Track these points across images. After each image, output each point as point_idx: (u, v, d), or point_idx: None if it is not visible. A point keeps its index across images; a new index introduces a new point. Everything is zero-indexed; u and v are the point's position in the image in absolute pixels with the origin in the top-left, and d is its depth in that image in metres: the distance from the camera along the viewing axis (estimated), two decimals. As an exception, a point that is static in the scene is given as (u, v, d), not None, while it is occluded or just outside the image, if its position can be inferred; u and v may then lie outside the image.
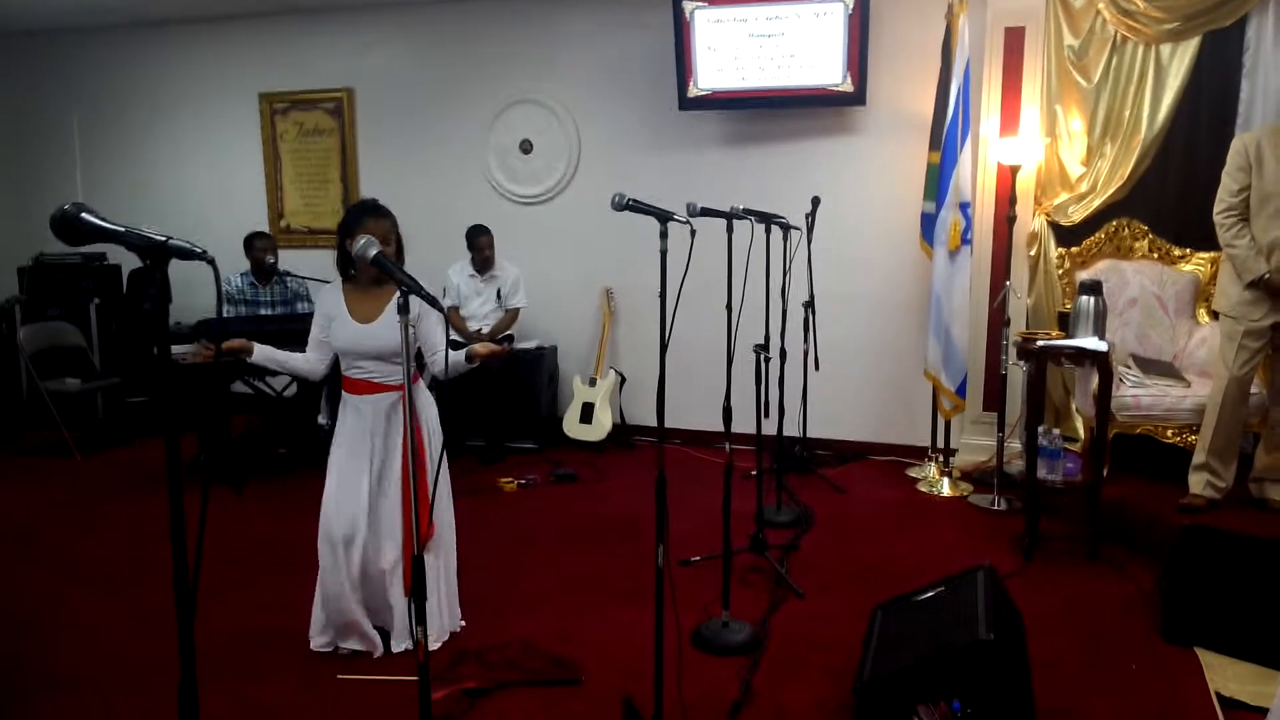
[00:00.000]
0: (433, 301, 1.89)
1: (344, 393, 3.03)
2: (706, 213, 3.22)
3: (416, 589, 1.91)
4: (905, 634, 2.77)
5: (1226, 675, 3.00)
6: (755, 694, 2.81)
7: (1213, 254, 4.63)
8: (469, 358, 2.93)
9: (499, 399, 5.50)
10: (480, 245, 5.66)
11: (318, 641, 3.06)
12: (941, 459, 4.94)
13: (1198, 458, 4.10)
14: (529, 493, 4.90)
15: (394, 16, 6.20)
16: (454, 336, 4.99)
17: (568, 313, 6.00)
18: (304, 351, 3.05)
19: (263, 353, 2.93)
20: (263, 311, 5.39)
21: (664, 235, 2.42)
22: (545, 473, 5.15)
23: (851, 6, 5.05)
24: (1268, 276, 3.83)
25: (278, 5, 6.27)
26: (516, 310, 5.75)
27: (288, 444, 5.49)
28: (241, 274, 5.51)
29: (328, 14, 6.32)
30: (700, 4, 5.30)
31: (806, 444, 5.14)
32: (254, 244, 5.52)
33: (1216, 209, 4.02)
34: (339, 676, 2.91)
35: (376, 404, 2.97)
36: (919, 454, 5.20)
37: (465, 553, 3.26)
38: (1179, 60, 4.68)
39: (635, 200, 2.44)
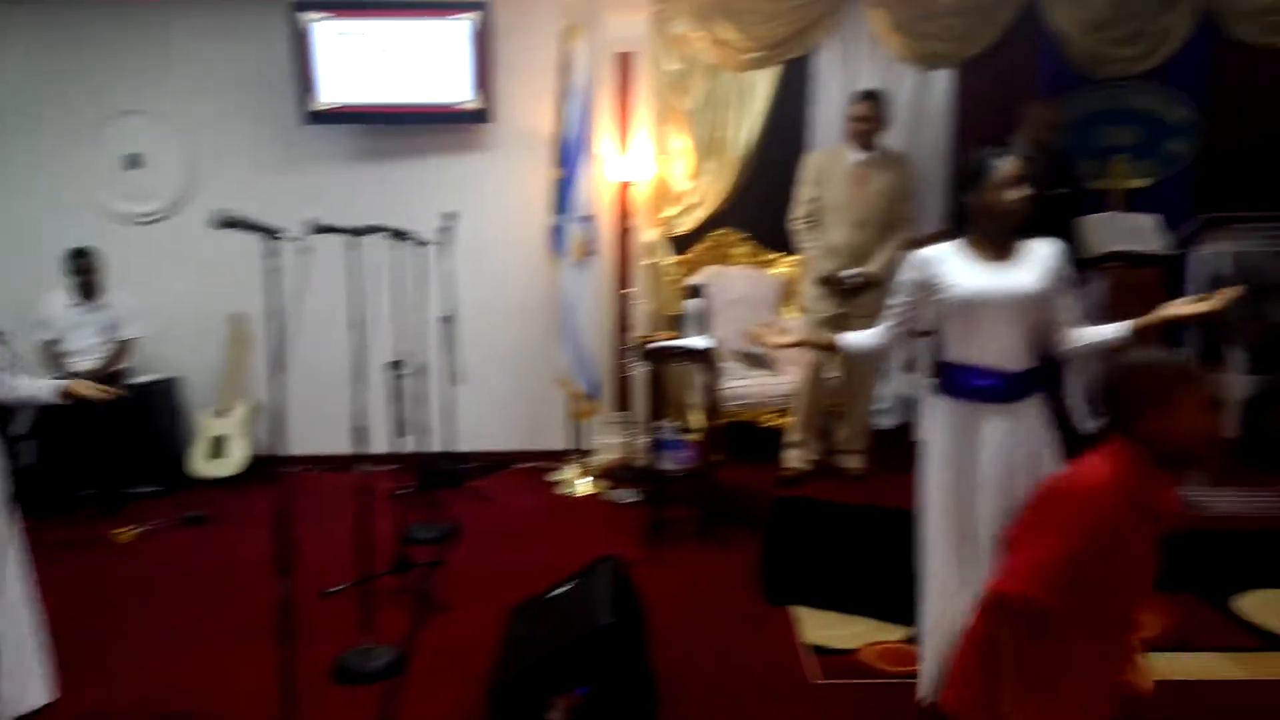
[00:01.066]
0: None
1: None
2: (328, 229, 3.17)
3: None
4: (537, 631, 2.91)
5: (814, 625, 3.48)
6: (397, 716, 2.82)
7: (797, 257, 5.28)
8: (63, 394, 2.65)
9: (113, 441, 4.97)
10: (82, 270, 5.10)
11: None
12: (580, 460, 5.21)
13: (790, 436, 4.68)
14: (151, 541, 4.50)
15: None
16: (51, 376, 4.45)
17: (192, 341, 5.57)
18: None
19: None
20: None
21: (274, 254, 2.36)
22: (172, 517, 4.75)
23: (478, 25, 5.18)
24: (833, 275, 4.45)
25: None
26: (132, 341, 5.25)
27: None
28: None
29: None
30: (320, 16, 5.17)
31: (453, 458, 5.20)
32: None
33: (792, 217, 4.62)
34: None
35: None
36: (561, 458, 5.44)
37: (64, 616, 2.95)
38: (764, 85, 5.28)
39: (237, 217, 2.35)
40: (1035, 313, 2.55)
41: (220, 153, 5.54)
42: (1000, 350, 2.56)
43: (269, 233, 2.38)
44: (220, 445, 5.36)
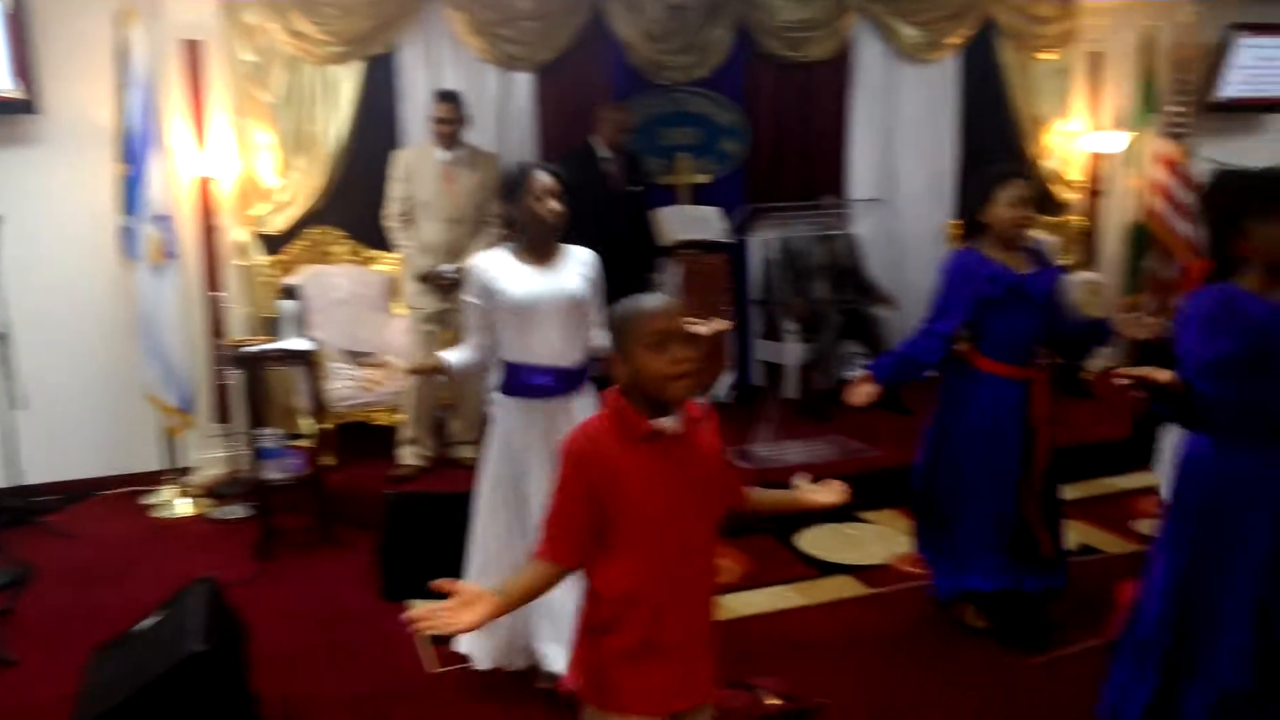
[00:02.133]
0: None
1: None
2: None
3: None
4: (122, 671, 2.71)
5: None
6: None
7: (398, 255, 5.28)
8: None
9: None
10: None
11: None
12: (179, 479, 4.84)
13: (404, 433, 4.70)
14: None
15: None
16: None
17: None
18: None
19: None
20: None
21: None
22: None
23: (10, 6, 4.56)
24: (432, 271, 4.53)
25: None
26: None
27: None
28: None
29: None
30: None
31: (19, 492, 4.59)
32: None
33: (385, 214, 4.63)
34: None
35: None
36: (156, 479, 5.00)
37: None
38: (349, 81, 5.16)
39: None
40: (579, 313, 2.84)
41: None
42: (552, 349, 2.82)
43: None
44: None
